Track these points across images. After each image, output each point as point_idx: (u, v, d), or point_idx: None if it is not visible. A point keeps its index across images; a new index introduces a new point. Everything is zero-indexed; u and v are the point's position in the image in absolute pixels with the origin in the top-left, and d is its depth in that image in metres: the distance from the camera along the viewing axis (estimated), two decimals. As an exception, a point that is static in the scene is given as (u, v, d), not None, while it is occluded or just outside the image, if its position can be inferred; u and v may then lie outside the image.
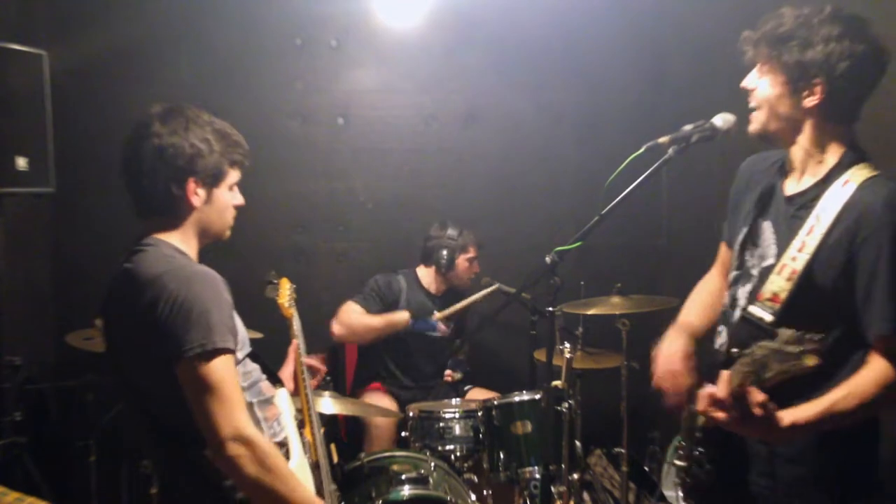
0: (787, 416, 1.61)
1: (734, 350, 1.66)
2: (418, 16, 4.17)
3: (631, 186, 1.97)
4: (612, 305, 3.34)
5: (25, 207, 3.40)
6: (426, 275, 3.82)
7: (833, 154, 1.78)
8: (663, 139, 1.95)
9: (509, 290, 3.60)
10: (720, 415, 1.62)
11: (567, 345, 2.81)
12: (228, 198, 1.92)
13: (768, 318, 1.73)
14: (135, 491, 3.41)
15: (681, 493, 1.96)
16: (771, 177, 1.91)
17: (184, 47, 3.94)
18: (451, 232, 3.76)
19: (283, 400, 2.02)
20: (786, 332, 1.50)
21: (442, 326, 3.72)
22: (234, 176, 1.92)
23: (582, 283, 3.49)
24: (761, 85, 1.82)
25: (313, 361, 2.38)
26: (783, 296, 1.73)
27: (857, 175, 1.73)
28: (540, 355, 3.26)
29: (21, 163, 2.88)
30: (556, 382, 2.43)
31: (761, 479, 1.82)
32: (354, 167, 4.19)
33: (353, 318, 3.62)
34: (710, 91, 3.78)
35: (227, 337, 1.72)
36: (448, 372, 3.76)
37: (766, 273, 1.79)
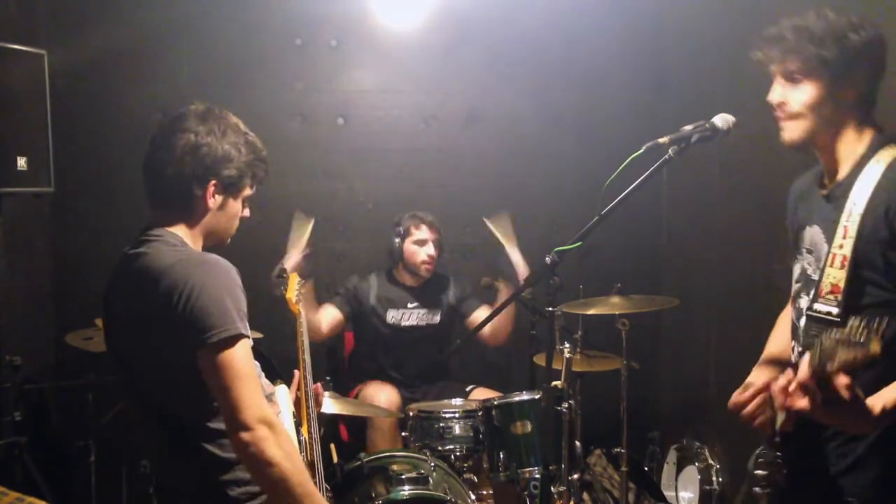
0: (878, 401, 1.56)
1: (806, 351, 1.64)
2: (418, 16, 4.16)
3: (631, 186, 1.98)
4: (612, 305, 3.34)
5: (25, 207, 3.39)
6: (399, 269, 3.82)
7: (864, 141, 1.79)
8: (663, 139, 1.96)
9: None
10: (803, 402, 1.55)
11: (567, 345, 2.81)
12: (238, 208, 1.95)
13: (834, 311, 1.71)
14: (135, 491, 3.41)
15: None
16: (810, 186, 1.92)
17: (184, 47, 3.94)
18: (396, 221, 3.74)
19: (282, 396, 2.03)
20: (854, 322, 1.46)
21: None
22: (249, 190, 1.95)
23: (581, 286, 3.49)
24: (799, 92, 1.78)
25: (318, 388, 2.38)
26: (842, 285, 1.71)
27: (886, 155, 1.74)
28: (540, 360, 3.25)
29: (21, 163, 2.88)
30: (556, 382, 2.43)
31: (837, 478, 1.79)
32: (354, 167, 4.19)
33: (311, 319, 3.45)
34: (710, 91, 3.78)
35: (244, 322, 1.74)
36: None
37: (823, 270, 1.78)
